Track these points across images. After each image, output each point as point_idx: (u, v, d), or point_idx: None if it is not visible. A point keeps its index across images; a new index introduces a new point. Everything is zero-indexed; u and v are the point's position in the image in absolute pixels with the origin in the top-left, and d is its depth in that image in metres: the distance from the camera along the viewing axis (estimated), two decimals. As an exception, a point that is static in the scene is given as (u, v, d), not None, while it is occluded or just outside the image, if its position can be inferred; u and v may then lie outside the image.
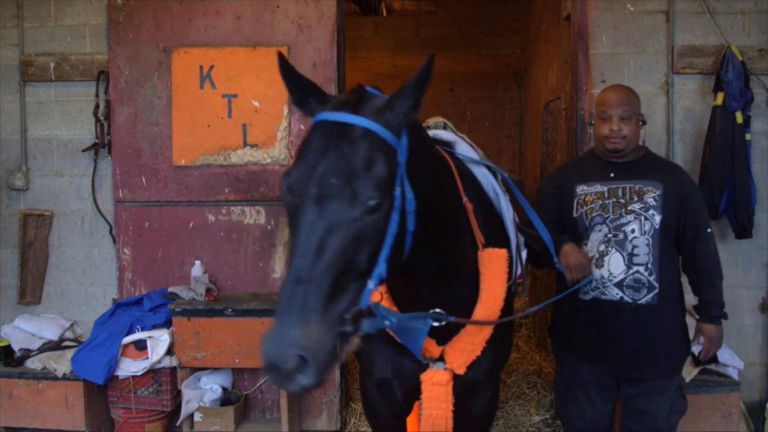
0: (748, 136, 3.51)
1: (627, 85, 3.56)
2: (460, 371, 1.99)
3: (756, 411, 3.66)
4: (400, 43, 7.89)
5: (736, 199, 3.48)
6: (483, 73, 7.59)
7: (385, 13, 8.29)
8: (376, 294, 1.51)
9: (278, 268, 3.75)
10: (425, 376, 2.00)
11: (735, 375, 3.36)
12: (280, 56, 1.59)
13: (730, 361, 3.34)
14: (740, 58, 3.49)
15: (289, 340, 1.26)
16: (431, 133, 2.48)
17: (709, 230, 2.60)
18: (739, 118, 3.46)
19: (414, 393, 2.12)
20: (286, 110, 3.71)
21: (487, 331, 2.02)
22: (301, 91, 1.58)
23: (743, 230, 3.51)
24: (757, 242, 3.67)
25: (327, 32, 3.70)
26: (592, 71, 3.65)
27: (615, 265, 2.50)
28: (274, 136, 3.71)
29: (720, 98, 3.47)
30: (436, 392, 1.99)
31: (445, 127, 2.60)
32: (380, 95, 1.61)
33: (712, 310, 2.59)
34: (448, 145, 2.34)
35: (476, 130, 7.24)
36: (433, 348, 1.98)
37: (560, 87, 4.40)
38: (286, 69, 1.58)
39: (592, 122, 2.72)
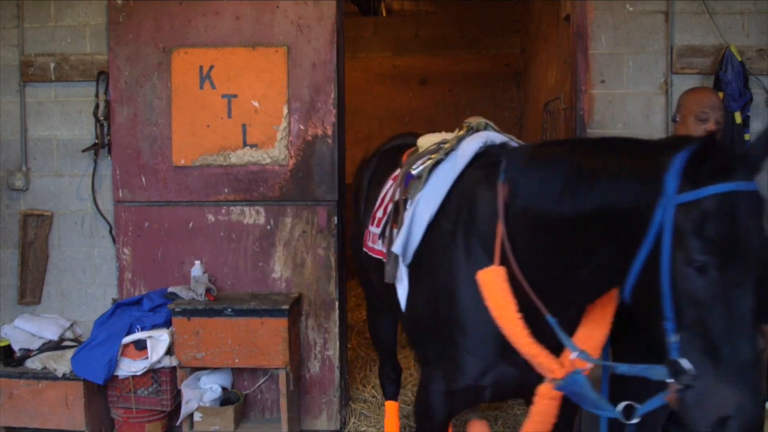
0: (747, 137, 3.50)
1: (626, 85, 3.61)
2: (596, 354, 1.98)
3: (755, 411, 3.66)
4: (400, 44, 7.90)
5: (735, 199, 3.48)
6: (483, 73, 7.60)
7: (384, 14, 8.30)
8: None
9: (278, 268, 3.76)
10: (543, 389, 1.98)
11: (734, 375, 3.36)
12: (709, 140, 1.53)
13: (729, 360, 3.34)
14: (739, 59, 3.49)
15: (758, 397, 1.50)
16: (482, 135, 2.43)
17: None
18: (738, 118, 3.45)
19: (503, 397, 2.10)
20: (285, 110, 3.71)
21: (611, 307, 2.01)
22: (707, 164, 1.54)
23: (742, 230, 3.51)
24: (756, 242, 3.67)
25: (326, 32, 3.70)
26: (591, 71, 3.65)
27: None
28: (273, 137, 3.71)
29: (719, 98, 3.48)
30: (550, 406, 2.01)
31: (486, 127, 2.55)
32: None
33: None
34: (505, 147, 2.35)
35: (476, 130, 7.24)
36: (556, 368, 1.94)
37: (560, 87, 4.41)
38: (715, 149, 1.52)
39: (677, 119, 2.69)
